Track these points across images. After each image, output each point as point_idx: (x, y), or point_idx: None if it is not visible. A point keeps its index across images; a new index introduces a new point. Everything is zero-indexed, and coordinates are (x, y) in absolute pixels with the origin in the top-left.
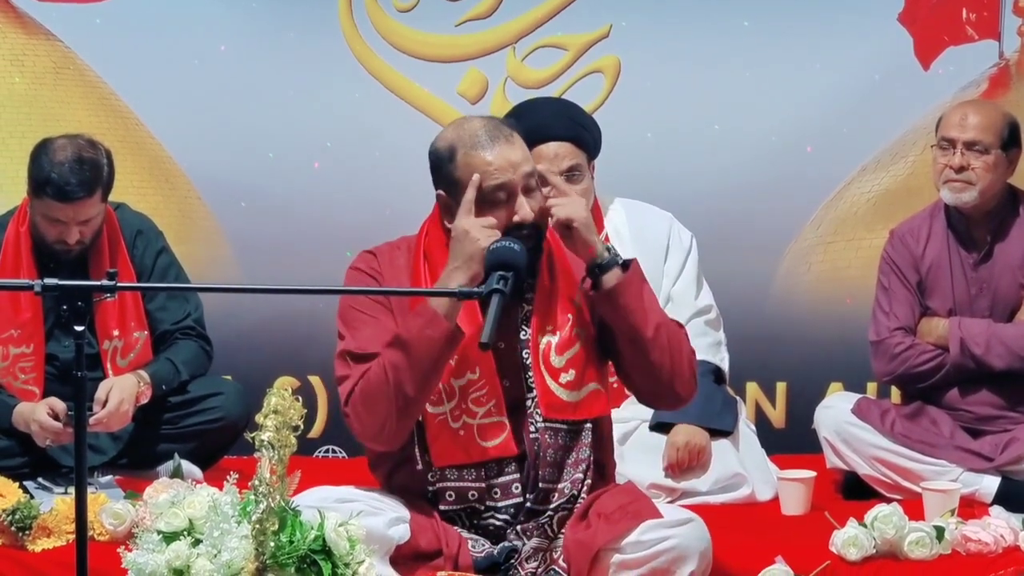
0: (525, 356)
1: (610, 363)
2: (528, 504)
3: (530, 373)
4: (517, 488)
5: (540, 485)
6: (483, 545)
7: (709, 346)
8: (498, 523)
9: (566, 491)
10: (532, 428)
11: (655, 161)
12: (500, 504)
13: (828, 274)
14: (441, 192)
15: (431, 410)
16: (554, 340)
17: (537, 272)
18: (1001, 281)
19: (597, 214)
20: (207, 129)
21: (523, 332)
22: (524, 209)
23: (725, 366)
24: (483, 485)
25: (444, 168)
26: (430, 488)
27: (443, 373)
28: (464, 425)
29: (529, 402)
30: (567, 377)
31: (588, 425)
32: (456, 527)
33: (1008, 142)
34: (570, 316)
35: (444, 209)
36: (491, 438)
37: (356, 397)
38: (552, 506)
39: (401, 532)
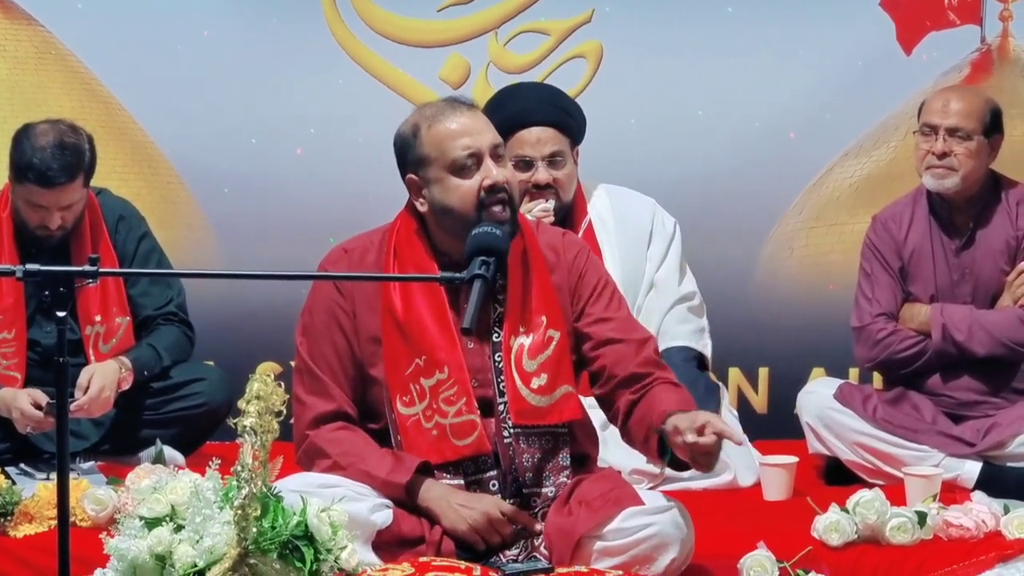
0: (498, 359)
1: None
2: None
3: (502, 377)
4: (495, 486)
5: (524, 491)
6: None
7: (692, 332)
8: None
9: (550, 495)
10: (505, 434)
11: (638, 147)
12: None
13: (810, 259)
14: (411, 176)
15: (404, 412)
16: (527, 342)
17: (506, 272)
18: (983, 267)
19: (581, 200)
20: (190, 114)
21: (495, 334)
22: (493, 171)
23: (708, 352)
24: (461, 482)
25: (410, 149)
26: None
27: None
28: (436, 425)
29: (501, 406)
30: (539, 382)
31: (564, 429)
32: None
33: (990, 128)
34: (543, 318)
35: (415, 192)
36: (464, 437)
37: (301, 454)
38: (535, 510)
39: (384, 517)
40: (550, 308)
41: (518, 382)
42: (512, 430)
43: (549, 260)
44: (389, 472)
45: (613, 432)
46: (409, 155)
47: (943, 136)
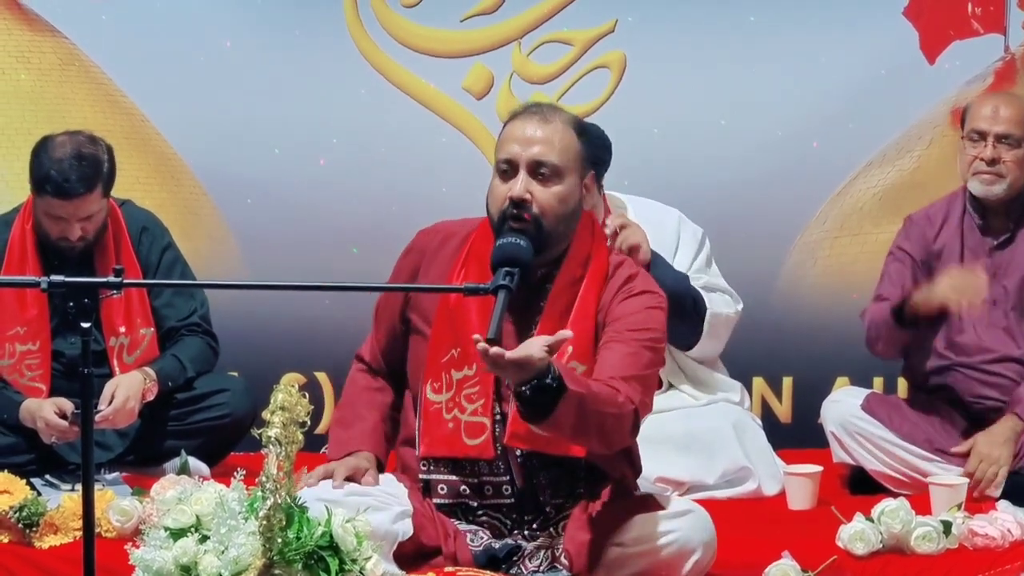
0: None
1: None
2: (535, 526)
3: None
4: (508, 490)
5: (546, 509)
6: (482, 538)
7: (717, 297)
8: (493, 520)
9: (568, 505)
10: (518, 453)
11: (661, 156)
12: (492, 502)
13: (834, 269)
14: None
15: (431, 397)
16: None
17: (547, 295)
18: (1017, 269)
19: (607, 214)
20: (213, 125)
21: None
22: (516, 186)
23: (715, 308)
24: (475, 481)
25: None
26: (422, 477)
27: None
28: (454, 419)
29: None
30: None
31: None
32: (454, 520)
33: None
34: (571, 348)
35: None
36: (474, 437)
37: None
38: (556, 522)
39: (406, 527)
40: (581, 340)
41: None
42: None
43: (607, 296)
44: (332, 448)
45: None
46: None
47: (992, 142)
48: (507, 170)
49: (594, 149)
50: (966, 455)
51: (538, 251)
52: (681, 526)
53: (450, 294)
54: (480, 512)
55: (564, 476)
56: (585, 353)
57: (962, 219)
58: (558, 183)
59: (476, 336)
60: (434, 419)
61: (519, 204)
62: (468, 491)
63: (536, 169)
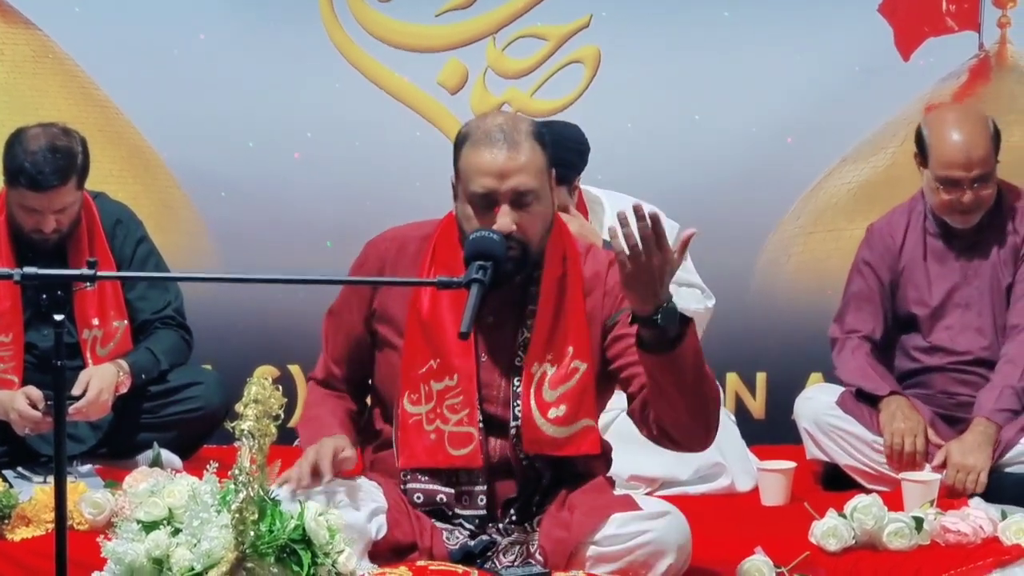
0: (516, 384)
1: (612, 394)
2: (511, 522)
3: (519, 403)
4: (483, 500)
5: (534, 510)
6: (458, 537)
7: (686, 292)
8: (466, 528)
9: (545, 502)
10: (521, 455)
11: (635, 151)
12: (466, 513)
13: (808, 265)
14: (452, 176)
15: (409, 409)
16: (550, 371)
17: (537, 298)
18: (986, 271)
19: (582, 209)
20: (187, 118)
21: (518, 358)
22: (502, 220)
23: (683, 304)
24: (452, 491)
25: (456, 153)
26: (401, 486)
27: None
28: (436, 430)
29: (513, 429)
30: (556, 412)
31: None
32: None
33: (997, 148)
34: (571, 348)
35: (454, 192)
36: (460, 447)
37: None
38: (531, 518)
39: (379, 524)
40: (579, 338)
41: (534, 410)
42: (524, 454)
43: (588, 287)
44: (305, 443)
45: (610, 437)
46: (454, 155)
47: (968, 188)
48: (483, 205)
49: (563, 151)
50: (942, 466)
51: (524, 268)
52: (657, 527)
53: (420, 307)
54: (455, 520)
55: (557, 480)
56: (585, 352)
57: (924, 226)
58: (538, 204)
59: None
60: (414, 431)
61: (507, 236)
62: (444, 500)
63: (519, 199)
